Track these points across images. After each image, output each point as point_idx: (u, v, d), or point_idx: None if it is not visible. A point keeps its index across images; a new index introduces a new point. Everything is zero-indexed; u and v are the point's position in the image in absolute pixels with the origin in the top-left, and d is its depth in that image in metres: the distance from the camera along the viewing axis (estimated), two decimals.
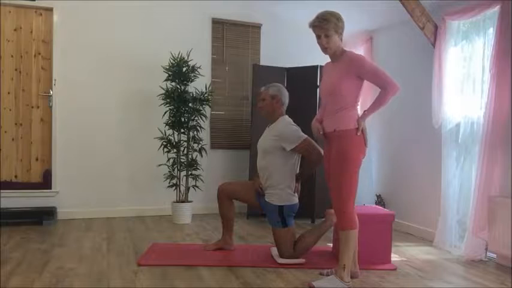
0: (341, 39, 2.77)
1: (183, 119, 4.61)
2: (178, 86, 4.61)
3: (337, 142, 2.69)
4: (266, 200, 3.26)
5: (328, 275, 2.81)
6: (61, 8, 4.61)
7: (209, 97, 4.75)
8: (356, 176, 2.69)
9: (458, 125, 3.79)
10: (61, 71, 4.62)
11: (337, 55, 2.78)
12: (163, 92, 4.57)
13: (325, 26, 2.69)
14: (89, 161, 4.72)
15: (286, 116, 3.36)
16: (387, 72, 2.72)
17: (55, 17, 4.61)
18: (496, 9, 3.40)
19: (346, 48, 2.81)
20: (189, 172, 4.68)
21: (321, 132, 2.83)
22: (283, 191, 3.21)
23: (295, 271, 3.03)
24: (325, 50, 2.77)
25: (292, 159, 3.24)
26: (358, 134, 2.67)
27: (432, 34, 3.97)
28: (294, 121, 3.32)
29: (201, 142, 4.74)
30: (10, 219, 4.25)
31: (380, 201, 4.75)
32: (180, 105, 4.57)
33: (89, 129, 4.73)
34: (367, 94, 5.12)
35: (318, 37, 2.74)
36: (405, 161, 4.53)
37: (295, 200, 3.27)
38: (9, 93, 4.54)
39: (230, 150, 5.31)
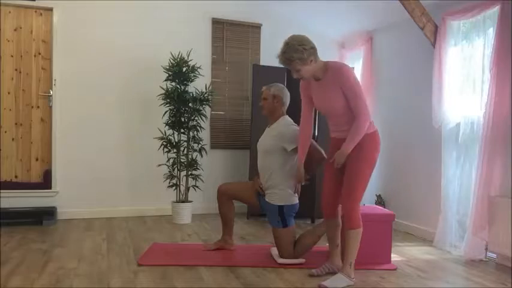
0: (315, 60, 2.70)
1: (183, 119, 4.61)
2: (178, 86, 4.61)
3: (356, 145, 2.71)
4: (266, 200, 3.26)
5: (319, 274, 2.88)
6: (61, 8, 4.61)
7: (209, 97, 4.75)
8: (369, 178, 2.76)
9: (458, 125, 3.79)
10: (61, 71, 4.62)
11: (319, 74, 2.75)
12: (163, 92, 4.58)
13: (290, 65, 2.69)
14: (89, 161, 4.72)
15: (287, 116, 3.37)
16: (366, 97, 2.77)
17: (55, 17, 4.60)
18: (496, 9, 3.40)
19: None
20: (189, 172, 4.68)
21: (308, 177, 3.07)
22: (283, 191, 3.21)
23: (295, 271, 3.03)
24: (301, 78, 2.79)
25: (293, 159, 3.24)
26: (336, 166, 2.73)
27: (432, 34, 3.97)
28: (294, 121, 3.32)
29: (201, 142, 4.74)
30: (10, 219, 4.24)
31: (380, 201, 4.76)
32: (180, 105, 4.57)
33: (88, 129, 4.73)
34: (366, 93, 5.13)
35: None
36: (405, 161, 4.53)
37: (296, 200, 3.27)
38: (9, 93, 4.54)
39: (230, 150, 5.31)
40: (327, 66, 2.73)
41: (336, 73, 2.67)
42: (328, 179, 2.90)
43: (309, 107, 2.98)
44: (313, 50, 2.68)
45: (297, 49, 2.64)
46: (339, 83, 2.66)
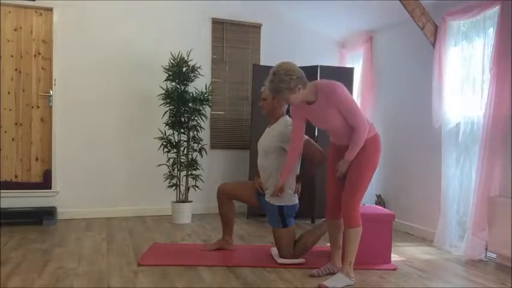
0: (303, 87, 2.69)
1: (183, 119, 4.61)
2: (178, 86, 4.61)
3: (359, 151, 2.74)
4: (266, 200, 3.26)
5: (320, 275, 2.88)
6: (61, 8, 4.61)
7: (209, 97, 4.75)
8: (370, 180, 2.82)
9: (458, 125, 3.79)
10: (61, 71, 4.62)
11: (310, 98, 2.74)
12: (163, 92, 4.58)
13: (280, 95, 2.71)
14: (89, 161, 4.72)
15: (287, 116, 3.36)
16: (360, 109, 2.80)
17: (55, 17, 4.60)
18: (496, 9, 3.40)
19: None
20: (189, 172, 4.68)
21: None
22: (283, 192, 3.21)
23: (295, 271, 3.03)
24: (291, 105, 2.84)
25: None
26: (339, 175, 2.78)
27: (432, 34, 3.97)
28: None
29: (201, 142, 4.74)
30: (10, 219, 4.24)
31: (380, 201, 4.76)
32: (180, 105, 4.57)
33: (89, 129, 4.73)
34: (366, 93, 5.13)
35: None
36: (405, 161, 4.53)
37: (296, 200, 3.27)
38: (9, 93, 4.54)
39: (230, 150, 5.31)
40: (318, 88, 2.71)
41: (330, 96, 2.67)
42: (331, 183, 2.92)
43: (300, 128, 2.94)
44: (300, 78, 2.68)
45: (284, 79, 2.64)
46: (334, 105, 2.67)
